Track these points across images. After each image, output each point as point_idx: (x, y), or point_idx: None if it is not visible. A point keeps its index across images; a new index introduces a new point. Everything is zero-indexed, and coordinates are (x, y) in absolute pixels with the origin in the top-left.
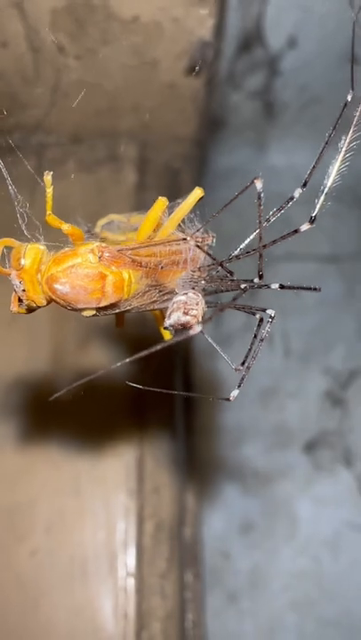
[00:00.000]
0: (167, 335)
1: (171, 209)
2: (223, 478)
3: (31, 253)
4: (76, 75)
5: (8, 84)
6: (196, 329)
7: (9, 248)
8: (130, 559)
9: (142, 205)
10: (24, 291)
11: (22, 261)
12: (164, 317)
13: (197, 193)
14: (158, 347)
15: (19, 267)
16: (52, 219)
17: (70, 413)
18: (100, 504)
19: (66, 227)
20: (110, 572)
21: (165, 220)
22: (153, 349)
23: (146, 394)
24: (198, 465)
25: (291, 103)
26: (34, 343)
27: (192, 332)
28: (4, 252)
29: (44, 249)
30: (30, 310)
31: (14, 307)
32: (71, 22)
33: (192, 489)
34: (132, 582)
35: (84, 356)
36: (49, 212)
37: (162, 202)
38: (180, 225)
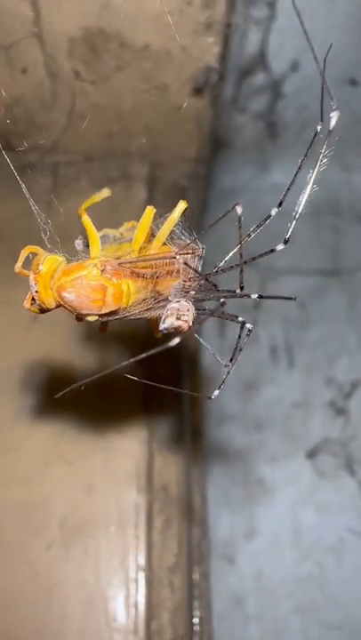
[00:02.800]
0: (158, 335)
1: (162, 223)
2: (229, 483)
3: (49, 262)
4: (90, 99)
5: (27, 108)
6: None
7: (34, 254)
8: (140, 553)
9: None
10: (37, 292)
11: (40, 267)
12: (156, 322)
13: (182, 206)
14: (158, 349)
15: (37, 271)
16: (81, 211)
17: (83, 413)
18: (112, 500)
19: (86, 217)
20: (122, 565)
21: (157, 231)
22: (154, 351)
23: (155, 396)
24: (205, 468)
25: (292, 124)
26: (50, 345)
27: (175, 341)
28: (29, 257)
29: (62, 260)
30: (42, 311)
31: (27, 303)
32: (87, 50)
33: (199, 490)
34: (142, 575)
35: (100, 356)
36: (84, 207)
37: (150, 211)
38: (172, 236)
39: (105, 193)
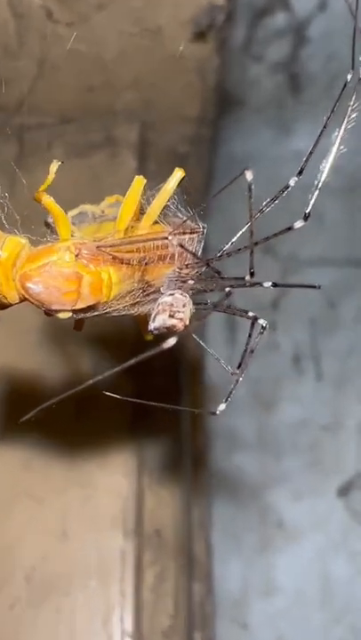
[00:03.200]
0: (149, 337)
1: (153, 197)
2: (241, 526)
3: (10, 245)
4: (66, 44)
5: None
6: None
7: None
8: (127, 614)
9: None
10: None
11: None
12: (146, 320)
13: (178, 174)
14: (148, 354)
15: None
16: (38, 194)
17: (55, 439)
18: (91, 548)
19: (46, 198)
20: (104, 629)
21: (147, 207)
22: (143, 357)
23: (146, 415)
24: (210, 506)
25: (318, 75)
26: (12, 351)
27: (171, 342)
28: None
29: (25, 243)
30: (1, 306)
31: None
32: None
33: (202, 535)
34: None
35: (76, 365)
36: (40, 190)
37: (139, 181)
38: (166, 213)
39: (54, 167)
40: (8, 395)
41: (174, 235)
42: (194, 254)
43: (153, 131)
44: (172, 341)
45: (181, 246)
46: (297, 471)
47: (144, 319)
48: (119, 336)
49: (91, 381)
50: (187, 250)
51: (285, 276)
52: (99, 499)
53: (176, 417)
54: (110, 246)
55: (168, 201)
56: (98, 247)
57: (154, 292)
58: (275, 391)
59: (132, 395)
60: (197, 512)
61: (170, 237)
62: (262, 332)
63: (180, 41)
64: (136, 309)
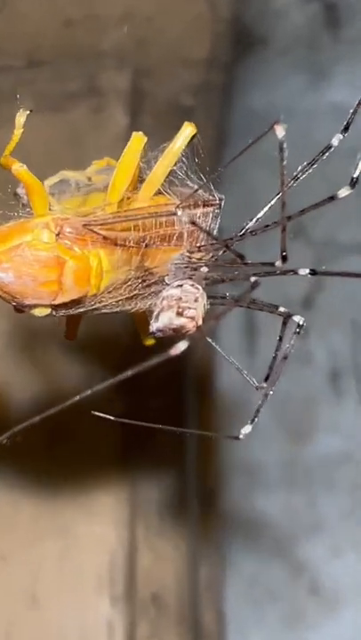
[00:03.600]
0: (149, 341)
1: (155, 160)
2: (263, 590)
3: None
4: None
5: None
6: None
7: None
8: None
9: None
10: None
11: None
12: (145, 319)
13: (188, 130)
14: (149, 363)
15: None
16: (5, 160)
17: (25, 472)
18: (68, 617)
19: (17, 166)
20: None
21: (148, 173)
22: (136, 369)
23: (141, 441)
24: (222, 563)
25: None
26: None
27: (181, 348)
28: None
29: None
30: None
31: None
32: None
33: (212, 601)
34: None
35: (54, 379)
36: (6, 153)
37: (138, 139)
38: (172, 180)
39: (21, 118)
40: None
41: (184, 208)
42: (209, 233)
43: (148, 78)
44: (182, 346)
45: (194, 223)
46: (336, 519)
47: (144, 317)
48: (109, 340)
49: (77, 397)
50: (201, 228)
51: (320, 265)
52: (79, 553)
53: (179, 446)
54: (101, 224)
55: (175, 165)
56: (85, 225)
57: (156, 283)
58: (307, 416)
59: (122, 416)
60: (206, 571)
61: (178, 212)
62: (298, 333)
63: None
64: (133, 305)
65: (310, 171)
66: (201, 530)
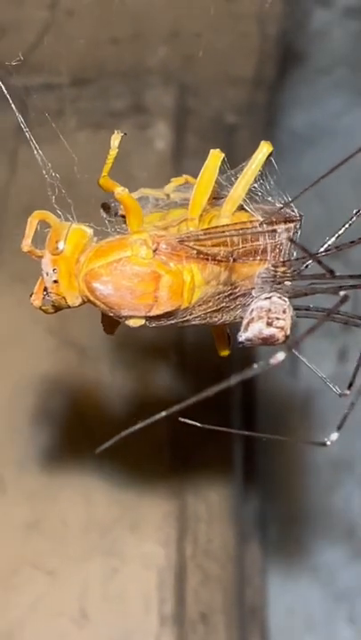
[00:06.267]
0: (225, 352)
1: (228, 181)
2: (301, 620)
3: (75, 237)
4: None
5: None
6: (281, 353)
7: (46, 224)
8: None
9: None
10: (55, 282)
11: (61, 245)
12: (223, 330)
13: (266, 149)
14: (249, 373)
15: (56, 251)
16: (105, 181)
17: (73, 490)
18: (116, 635)
19: (119, 190)
20: None
21: (228, 189)
22: (223, 385)
23: (187, 460)
24: (264, 587)
25: None
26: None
27: (280, 358)
28: (37, 228)
29: (91, 233)
30: (57, 309)
31: (36, 299)
32: None
33: (259, 624)
34: None
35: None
36: (105, 173)
37: (216, 156)
38: (251, 196)
39: (116, 140)
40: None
41: (273, 223)
42: (304, 248)
43: (194, 95)
44: (280, 357)
45: (292, 241)
46: None
47: (222, 330)
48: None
49: (163, 413)
50: (296, 243)
51: None
52: (128, 572)
53: (228, 464)
54: (195, 240)
55: (255, 182)
56: (180, 241)
57: (242, 296)
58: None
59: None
60: (251, 593)
61: (278, 228)
62: None
63: None
64: (220, 317)
65: None
66: (247, 544)
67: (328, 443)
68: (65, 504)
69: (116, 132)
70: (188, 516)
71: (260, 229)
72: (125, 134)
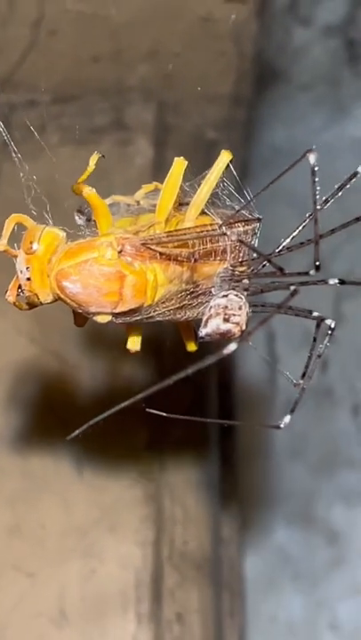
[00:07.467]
0: (192, 347)
1: (197, 184)
2: (281, 626)
3: (48, 238)
4: (67, 4)
5: None
6: (234, 344)
7: (22, 226)
8: None
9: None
10: (29, 279)
11: (35, 245)
12: (189, 326)
13: (225, 157)
14: (205, 363)
15: (30, 250)
16: (77, 186)
17: (52, 492)
18: (94, 634)
19: (87, 189)
20: None
21: (190, 195)
22: (192, 369)
23: (164, 459)
24: (242, 591)
25: None
26: None
27: (232, 348)
28: (14, 230)
29: (63, 236)
30: (31, 306)
31: (11, 295)
32: None
33: (236, 623)
34: None
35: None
36: (79, 182)
37: (180, 164)
38: (212, 201)
39: (94, 160)
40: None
41: (228, 226)
42: (255, 249)
43: (174, 112)
44: (232, 347)
45: (241, 241)
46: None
47: (187, 326)
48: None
49: (125, 403)
50: (247, 245)
51: (339, 299)
52: (106, 573)
53: (207, 470)
54: (158, 242)
55: (216, 188)
56: (143, 243)
57: (203, 294)
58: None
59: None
60: (228, 596)
61: (227, 231)
62: (331, 333)
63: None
64: (183, 314)
65: (338, 195)
66: (222, 540)
67: (282, 425)
68: (43, 509)
69: (95, 152)
70: (164, 519)
71: (216, 232)
72: (103, 156)
